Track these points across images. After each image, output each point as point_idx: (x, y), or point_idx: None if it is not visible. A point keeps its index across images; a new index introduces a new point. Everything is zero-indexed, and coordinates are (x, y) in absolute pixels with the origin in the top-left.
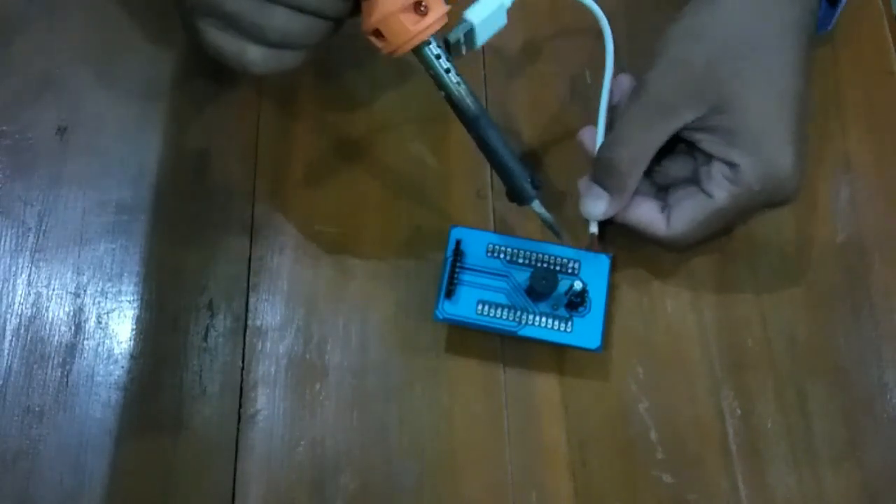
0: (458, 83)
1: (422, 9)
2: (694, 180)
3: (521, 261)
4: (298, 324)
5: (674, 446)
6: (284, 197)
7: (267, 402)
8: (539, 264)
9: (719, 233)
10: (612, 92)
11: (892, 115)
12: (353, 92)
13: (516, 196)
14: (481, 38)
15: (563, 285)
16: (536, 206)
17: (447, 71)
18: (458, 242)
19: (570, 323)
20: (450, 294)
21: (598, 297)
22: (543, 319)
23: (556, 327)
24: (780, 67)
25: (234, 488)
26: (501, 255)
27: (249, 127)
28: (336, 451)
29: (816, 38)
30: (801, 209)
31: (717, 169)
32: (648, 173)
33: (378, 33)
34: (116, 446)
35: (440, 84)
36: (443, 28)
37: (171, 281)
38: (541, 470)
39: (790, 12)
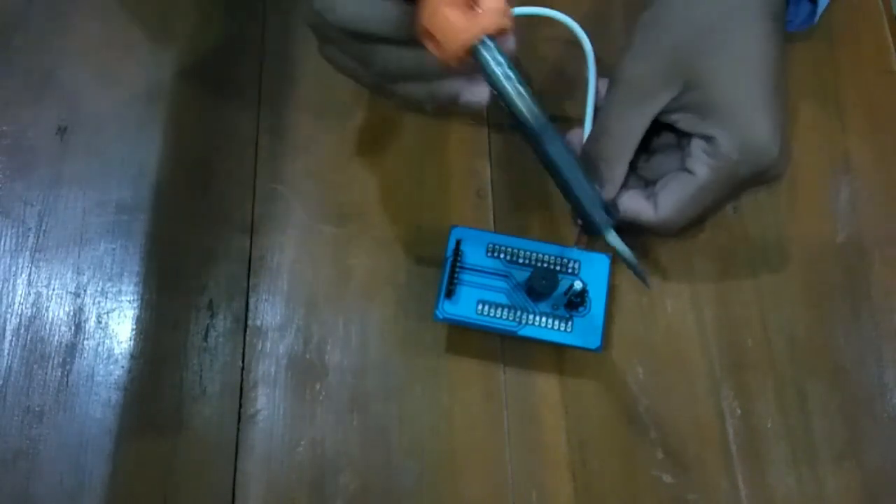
0: (519, 94)
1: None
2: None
3: (521, 261)
4: (298, 324)
5: (674, 446)
6: (284, 197)
7: (267, 402)
8: (539, 264)
9: (711, 210)
10: (598, 94)
11: (892, 115)
12: (354, 92)
13: (586, 224)
14: None
15: (563, 285)
16: (612, 237)
17: (507, 78)
18: (458, 242)
19: (570, 323)
20: (450, 294)
21: (598, 298)
22: (543, 319)
23: (556, 327)
24: (748, 40)
25: (234, 488)
26: (501, 255)
27: (249, 127)
28: (336, 451)
29: (810, 35)
30: (801, 209)
31: (696, 145)
32: (636, 169)
33: (429, 35)
34: (116, 446)
35: (498, 92)
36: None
37: (171, 281)
38: (541, 470)
39: None
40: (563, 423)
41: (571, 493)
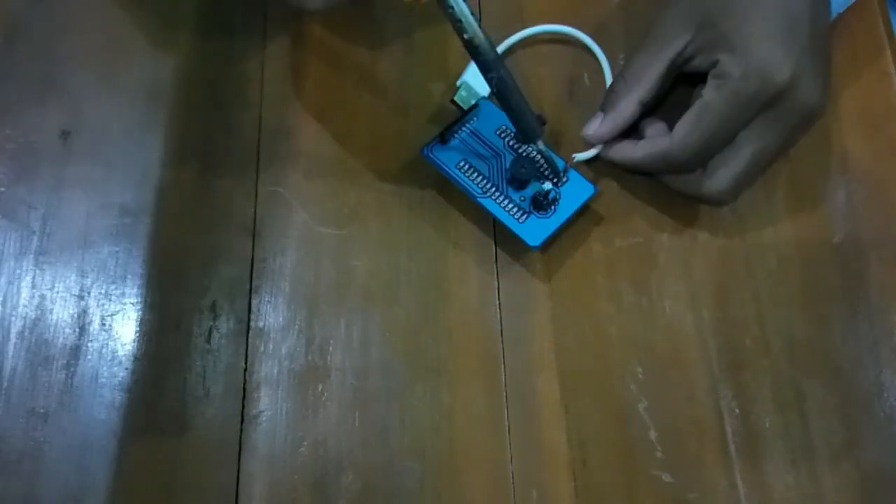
0: (476, 31)
1: None
2: None
3: (520, 151)
4: (300, 325)
5: (673, 446)
6: (286, 199)
7: (270, 403)
8: (529, 156)
9: (728, 140)
10: None
11: (890, 115)
12: (354, 94)
13: (526, 135)
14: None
15: (540, 185)
16: (541, 144)
17: (471, 16)
18: (478, 106)
19: (526, 216)
20: (444, 140)
21: (563, 212)
22: (506, 201)
23: (511, 212)
24: None
25: (237, 489)
26: (506, 139)
27: (251, 129)
28: (338, 451)
29: None
30: (798, 209)
31: (708, 76)
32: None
33: None
34: (120, 448)
35: (463, 26)
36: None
37: (174, 283)
38: (541, 470)
39: None
40: (563, 423)
41: (571, 493)
